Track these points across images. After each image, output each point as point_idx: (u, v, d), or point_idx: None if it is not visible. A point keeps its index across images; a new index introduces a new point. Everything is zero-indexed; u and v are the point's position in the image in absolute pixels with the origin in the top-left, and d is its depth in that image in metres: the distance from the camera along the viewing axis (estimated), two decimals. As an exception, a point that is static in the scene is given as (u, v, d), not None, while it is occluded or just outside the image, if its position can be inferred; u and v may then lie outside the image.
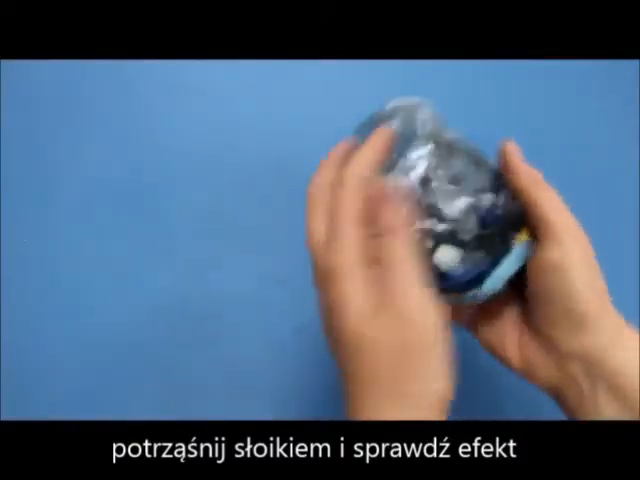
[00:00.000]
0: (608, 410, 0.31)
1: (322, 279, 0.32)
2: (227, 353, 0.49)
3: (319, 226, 0.33)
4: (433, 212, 0.33)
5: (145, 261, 0.50)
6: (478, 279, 0.33)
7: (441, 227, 0.33)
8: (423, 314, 0.30)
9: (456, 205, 0.33)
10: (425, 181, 0.33)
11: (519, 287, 0.35)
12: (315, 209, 0.34)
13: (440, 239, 0.33)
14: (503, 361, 0.36)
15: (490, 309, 0.36)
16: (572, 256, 0.32)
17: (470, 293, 0.34)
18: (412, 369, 0.29)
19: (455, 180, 0.33)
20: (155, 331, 0.49)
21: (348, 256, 0.30)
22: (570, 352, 0.32)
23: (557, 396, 0.34)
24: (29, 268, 0.50)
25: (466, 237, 0.33)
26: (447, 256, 0.33)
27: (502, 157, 0.35)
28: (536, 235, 0.33)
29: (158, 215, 0.51)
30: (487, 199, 0.33)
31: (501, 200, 0.34)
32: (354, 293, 0.30)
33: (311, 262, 0.33)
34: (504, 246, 0.33)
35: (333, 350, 0.32)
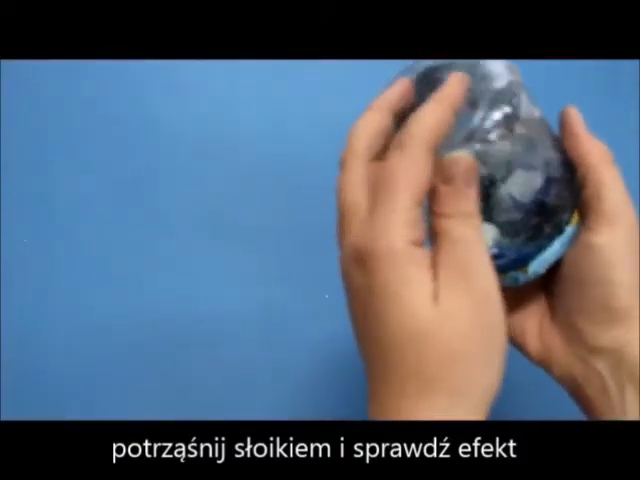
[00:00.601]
0: (635, 410, 0.29)
1: (361, 260, 0.26)
2: (227, 353, 0.49)
3: (358, 192, 0.27)
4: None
5: (145, 261, 0.50)
6: (522, 261, 0.30)
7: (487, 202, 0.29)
8: (497, 295, 0.27)
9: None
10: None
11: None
12: (354, 169, 0.28)
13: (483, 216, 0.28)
14: (521, 348, 0.33)
15: (511, 291, 0.33)
16: (620, 242, 0.29)
17: (511, 275, 0.31)
18: (480, 357, 0.26)
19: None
20: (155, 331, 0.49)
21: (399, 240, 0.25)
22: (598, 346, 0.30)
23: (575, 390, 0.32)
24: (29, 268, 0.50)
25: (514, 215, 0.29)
26: (488, 234, 0.29)
27: (565, 123, 0.31)
28: (585, 212, 0.30)
29: (158, 215, 0.51)
30: (545, 175, 0.30)
31: (560, 176, 0.30)
32: (412, 278, 0.26)
33: (340, 232, 0.28)
34: (556, 227, 0.30)
35: (371, 341, 0.27)
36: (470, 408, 0.27)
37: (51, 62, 0.50)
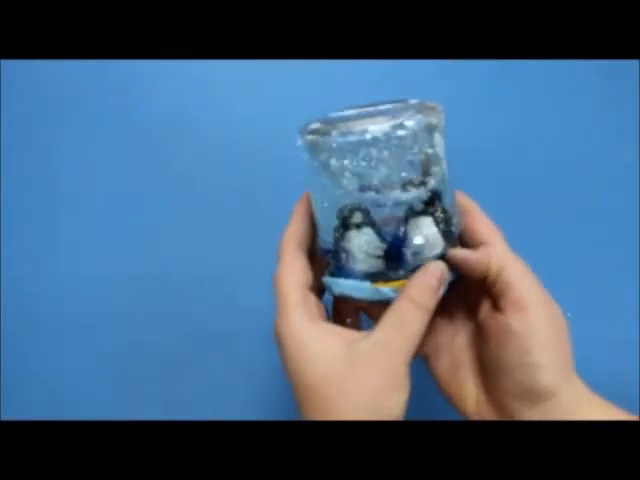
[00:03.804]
0: None
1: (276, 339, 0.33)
2: (227, 353, 0.49)
3: None
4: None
5: (143, 262, 0.50)
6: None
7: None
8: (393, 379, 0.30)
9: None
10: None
11: (478, 343, 0.34)
12: None
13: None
14: (458, 409, 0.34)
15: (450, 367, 0.35)
16: (536, 325, 0.30)
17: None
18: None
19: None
20: (155, 332, 0.49)
21: (292, 324, 0.31)
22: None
23: None
24: (29, 268, 0.50)
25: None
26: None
27: (466, 217, 0.34)
28: (497, 299, 0.32)
29: (158, 215, 0.51)
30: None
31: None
32: (307, 344, 0.31)
33: None
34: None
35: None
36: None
37: (50, 61, 0.50)
